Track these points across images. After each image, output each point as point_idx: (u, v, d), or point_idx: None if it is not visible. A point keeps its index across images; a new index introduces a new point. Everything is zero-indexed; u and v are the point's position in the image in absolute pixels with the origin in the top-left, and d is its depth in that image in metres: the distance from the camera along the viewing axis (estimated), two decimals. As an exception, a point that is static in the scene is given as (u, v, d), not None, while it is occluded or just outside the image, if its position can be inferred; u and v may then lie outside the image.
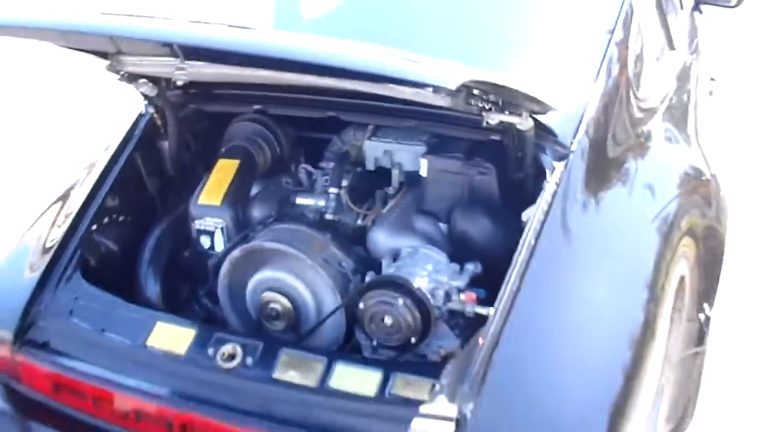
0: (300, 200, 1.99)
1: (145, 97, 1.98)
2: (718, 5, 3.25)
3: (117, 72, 1.81)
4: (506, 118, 1.56)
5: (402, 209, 1.89)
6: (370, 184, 1.99)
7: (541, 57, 2.00)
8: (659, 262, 1.76)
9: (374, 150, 1.98)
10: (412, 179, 1.93)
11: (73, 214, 1.91)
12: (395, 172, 1.97)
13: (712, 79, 2.93)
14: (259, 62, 1.56)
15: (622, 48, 2.04)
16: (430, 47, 1.82)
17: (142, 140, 2.06)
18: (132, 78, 1.85)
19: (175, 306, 1.90)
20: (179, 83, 1.91)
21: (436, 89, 1.34)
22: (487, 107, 1.51)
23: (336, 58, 1.38)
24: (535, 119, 1.64)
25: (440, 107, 1.58)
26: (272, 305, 1.73)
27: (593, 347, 1.53)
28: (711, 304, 2.11)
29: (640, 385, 1.54)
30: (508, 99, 1.50)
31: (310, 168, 2.08)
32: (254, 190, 2.07)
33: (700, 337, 2.08)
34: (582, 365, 1.50)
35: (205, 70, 1.70)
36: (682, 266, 1.89)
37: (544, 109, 1.60)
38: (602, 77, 1.91)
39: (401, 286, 1.62)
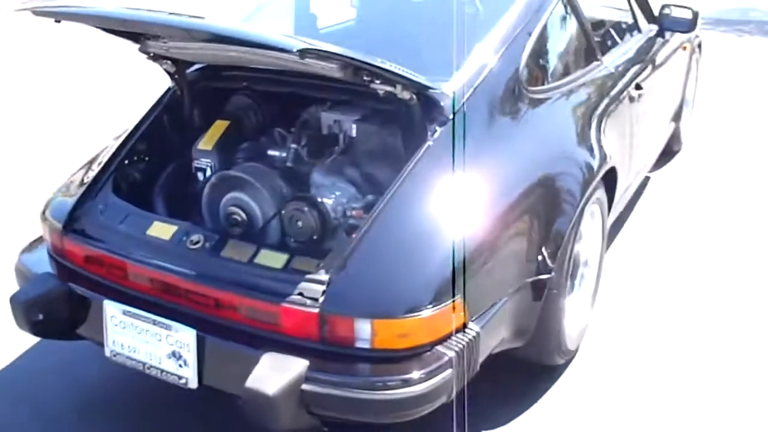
0: (270, 152, 2.79)
1: (168, 73, 2.82)
2: (675, 30, 4.00)
3: (146, 53, 2.66)
4: (385, 87, 2.30)
5: (336, 160, 2.65)
6: (324, 144, 2.76)
7: (451, 56, 2.73)
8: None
9: (327, 119, 2.76)
10: (350, 140, 2.69)
11: (113, 152, 2.77)
12: (340, 136, 2.73)
13: (638, 87, 3.55)
14: (193, 37, 2.32)
15: (517, 50, 2.76)
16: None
17: (166, 106, 2.90)
18: (157, 58, 2.69)
19: (174, 215, 2.70)
20: (196, 65, 2.78)
21: (286, 51, 1.99)
22: (369, 80, 2.26)
23: (219, 29, 2.22)
24: (417, 93, 2.37)
25: (356, 83, 2.31)
26: (234, 216, 2.51)
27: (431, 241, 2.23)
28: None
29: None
30: (379, 74, 2.23)
31: (282, 131, 2.87)
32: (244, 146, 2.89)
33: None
34: (419, 254, 2.21)
35: (186, 50, 2.50)
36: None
37: (417, 85, 2.33)
38: (493, 70, 2.64)
39: (309, 200, 2.40)
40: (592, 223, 2.94)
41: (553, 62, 3.13)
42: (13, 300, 2.45)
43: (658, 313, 3.29)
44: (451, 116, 2.43)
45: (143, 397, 2.75)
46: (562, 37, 3.21)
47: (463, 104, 2.48)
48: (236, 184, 2.54)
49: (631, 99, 3.49)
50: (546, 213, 2.56)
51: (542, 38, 2.95)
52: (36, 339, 2.88)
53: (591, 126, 2.99)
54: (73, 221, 2.58)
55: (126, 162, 2.76)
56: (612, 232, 3.72)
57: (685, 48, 4.62)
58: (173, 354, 2.24)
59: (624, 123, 3.38)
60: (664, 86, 4.22)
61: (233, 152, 2.80)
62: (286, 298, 2.13)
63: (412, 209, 2.27)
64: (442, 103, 2.46)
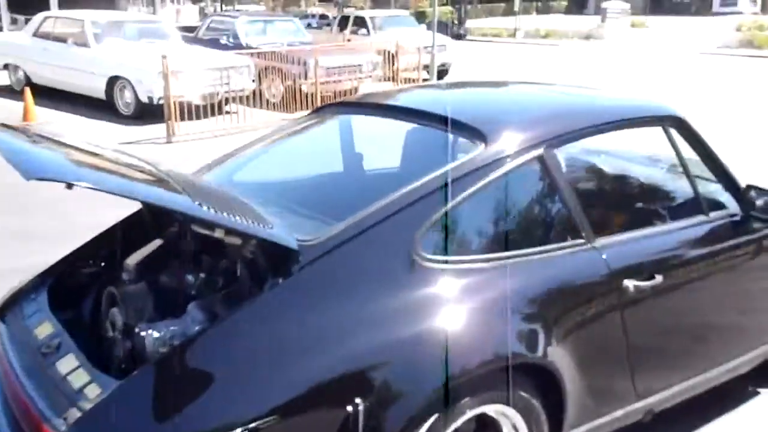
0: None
1: None
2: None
3: None
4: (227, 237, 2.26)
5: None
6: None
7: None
8: None
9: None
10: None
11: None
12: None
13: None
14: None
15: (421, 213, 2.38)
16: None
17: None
18: None
19: None
20: None
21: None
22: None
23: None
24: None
25: None
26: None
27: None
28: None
29: None
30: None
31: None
32: None
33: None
34: None
35: None
36: None
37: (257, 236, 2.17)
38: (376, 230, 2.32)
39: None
40: None
41: (487, 233, 2.59)
42: None
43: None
44: (297, 270, 2.20)
45: None
46: (515, 205, 2.62)
47: (315, 260, 2.22)
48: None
49: (629, 296, 2.60)
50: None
51: (478, 202, 2.48)
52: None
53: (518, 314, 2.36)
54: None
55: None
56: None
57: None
58: None
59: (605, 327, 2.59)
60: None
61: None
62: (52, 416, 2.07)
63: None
64: (291, 255, 2.19)
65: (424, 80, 12.69)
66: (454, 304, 2.27)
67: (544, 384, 2.39)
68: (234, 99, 10.29)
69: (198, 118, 9.57)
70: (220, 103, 10.18)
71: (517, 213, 2.60)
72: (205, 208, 2.05)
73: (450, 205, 2.38)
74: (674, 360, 2.91)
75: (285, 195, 2.82)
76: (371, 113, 3.13)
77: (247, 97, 10.59)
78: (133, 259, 2.66)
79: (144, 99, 10.04)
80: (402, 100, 3.16)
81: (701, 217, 2.96)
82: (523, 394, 2.33)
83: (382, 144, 3.10)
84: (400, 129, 2.93)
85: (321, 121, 3.28)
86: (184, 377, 2.09)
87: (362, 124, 3.13)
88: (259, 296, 2.19)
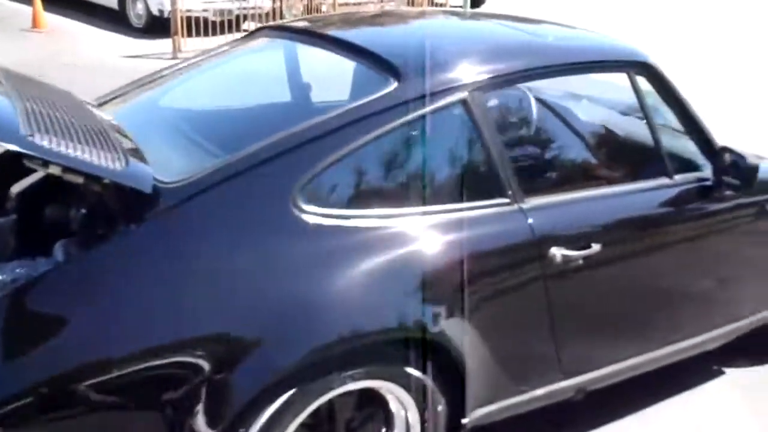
0: None
1: None
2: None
3: None
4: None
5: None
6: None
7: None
8: None
9: None
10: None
11: None
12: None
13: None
14: None
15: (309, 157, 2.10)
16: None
17: None
18: None
19: None
20: None
21: None
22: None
23: None
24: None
25: None
26: None
27: None
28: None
29: None
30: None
31: None
32: None
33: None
34: None
35: None
36: None
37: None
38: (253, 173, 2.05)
39: None
40: None
41: (386, 186, 2.23)
42: None
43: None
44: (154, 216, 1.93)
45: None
46: (425, 156, 2.23)
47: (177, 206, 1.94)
48: None
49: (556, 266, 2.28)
50: None
51: (380, 150, 2.16)
52: None
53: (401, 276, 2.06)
54: None
55: None
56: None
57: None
58: None
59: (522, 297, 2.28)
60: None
61: None
62: None
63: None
64: (147, 198, 1.90)
65: (452, 6, 12.09)
66: (335, 265, 1.98)
67: (441, 361, 2.11)
68: (252, 17, 9.90)
69: (213, 34, 9.21)
70: (237, 19, 9.81)
71: (427, 165, 2.22)
72: (38, 139, 1.77)
73: (344, 150, 2.06)
74: (612, 337, 2.59)
75: (188, 126, 2.51)
76: (299, 40, 2.74)
77: (267, 14, 10.18)
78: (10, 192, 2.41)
79: (155, 12, 9.72)
80: (331, 27, 2.79)
81: (664, 180, 2.58)
82: (410, 371, 2.06)
83: (302, 74, 2.75)
84: (322, 59, 2.58)
85: (249, 45, 2.95)
86: (18, 323, 1.85)
87: (289, 51, 2.77)
88: (105, 243, 1.93)
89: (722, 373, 3.17)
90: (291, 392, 1.88)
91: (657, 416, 2.86)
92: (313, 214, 1.99)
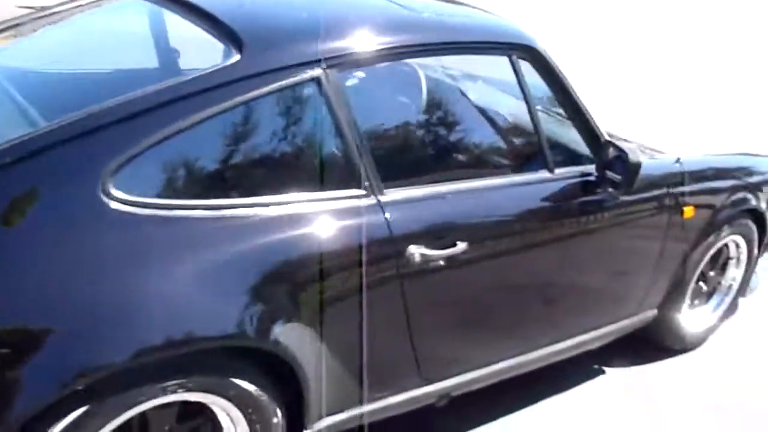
0: None
1: None
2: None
3: None
4: None
5: None
6: None
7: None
8: None
9: None
10: None
11: None
12: None
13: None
14: None
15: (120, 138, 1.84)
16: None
17: None
18: None
19: None
20: None
21: None
22: None
23: None
24: None
25: None
26: None
27: None
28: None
29: None
30: None
31: None
32: None
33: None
34: None
35: None
36: None
37: None
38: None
39: None
40: None
41: (219, 172, 1.97)
42: None
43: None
44: None
45: None
46: (267, 139, 2.01)
47: None
48: None
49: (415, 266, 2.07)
50: None
51: (212, 131, 1.89)
52: None
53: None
54: None
55: None
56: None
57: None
58: None
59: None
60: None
61: None
62: None
63: None
64: None
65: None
66: (150, 262, 1.72)
67: (277, 370, 1.89)
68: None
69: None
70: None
71: (269, 150, 2.00)
72: None
73: (170, 129, 1.79)
74: (480, 341, 2.42)
75: (14, 86, 2.17)
76: (160, 2, 2.42)
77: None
78: None
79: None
80: None
81: (543, 174, 2.39)
82: (237, 382, 1.83)
83: (152, 40, 2.43)
84: (175, 24, 2.28)
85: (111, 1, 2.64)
86: None
87: (144, 12, 2.44)
88: None
89: (602, 372, 3.07)
90: (86, 407, 1.63)
91: (534, 418, 2.73)
92: (126, 203, 1.72)
